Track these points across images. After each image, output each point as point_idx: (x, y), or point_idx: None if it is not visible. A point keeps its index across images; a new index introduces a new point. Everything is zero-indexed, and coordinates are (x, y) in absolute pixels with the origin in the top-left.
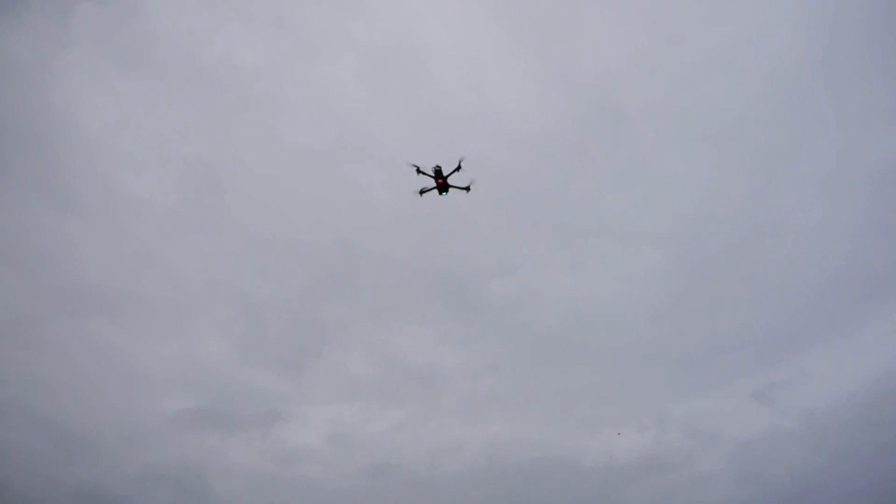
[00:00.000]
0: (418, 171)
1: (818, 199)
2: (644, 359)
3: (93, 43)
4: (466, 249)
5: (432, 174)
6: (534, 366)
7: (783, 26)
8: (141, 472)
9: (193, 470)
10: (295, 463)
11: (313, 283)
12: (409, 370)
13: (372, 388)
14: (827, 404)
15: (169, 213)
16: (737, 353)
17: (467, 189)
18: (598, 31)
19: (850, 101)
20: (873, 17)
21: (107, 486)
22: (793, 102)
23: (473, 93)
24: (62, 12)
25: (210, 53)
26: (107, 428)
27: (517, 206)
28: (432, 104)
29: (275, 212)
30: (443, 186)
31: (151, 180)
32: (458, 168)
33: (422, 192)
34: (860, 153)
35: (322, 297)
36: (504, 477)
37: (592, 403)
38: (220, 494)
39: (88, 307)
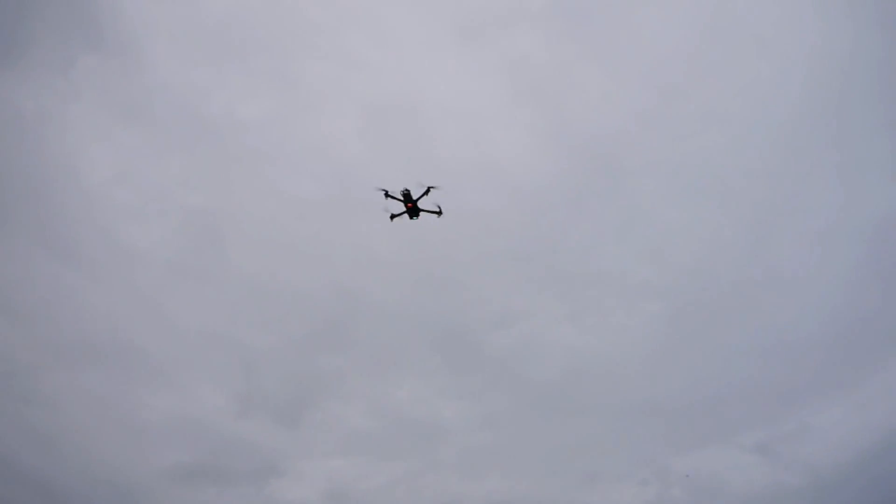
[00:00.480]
0: (387, 195)
1: (817, 251)
2: (645, 411)
3: (95, 96)
4: (466, 301)
5: (401, 198)
6: (533, 419)
7: (780, 80)
8: None
9: None
10: None
11: (311, 334)
12: (407, 423)
13: (370, 441)
14: (830, 458)
15: (168, 263)
16: (738, 407)
17: (438, 213)
18: (597, 85)
19: (848, 154)
20: (873, 71)
21: None
22: (791, 155)
23: (473, 147)
24: (65, 66)
25: (212, 106)
26: (100, 482)
27: (516, 257)
28: (432, 158)
29: (274, 262)
30: (413, 210)
31: (151, 231)
32: (428, 191)
33: (392, 216)
34: (859, 206)
35: (320, 348)
36: None
37: (593, 457)
38: None
39: (85, 359)
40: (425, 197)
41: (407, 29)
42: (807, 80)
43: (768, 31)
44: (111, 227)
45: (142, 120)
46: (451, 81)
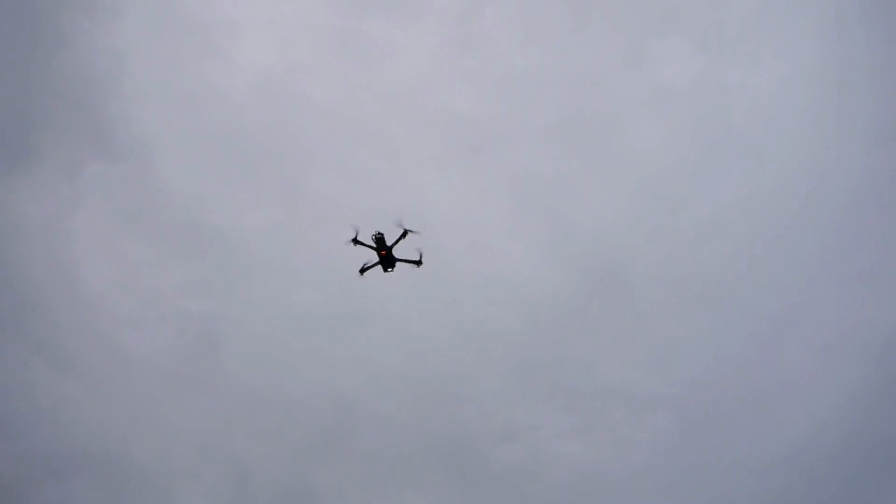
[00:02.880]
0: (356, 241)
1: (825, 362)
2: None
3: (100, 202)
4: (469, 414)
5: (373, 244)
6: None
7: (781, 192)
8: None
9: None
10: None
11: (308, 447)
12: None
13: None
14: None
15: (163, 372)
16: None
17: (419, 263)
18: (599, 198)
19: (852, 265)
20: (874, 182)
21: None
22: (793, 266)
23: (477, 258)
24: (72, 172)
25: (217, 216)
26: None
27: (521, 370)
28: (436, 268)
29: (272, 372)
30: (387, 259)
31: (148, 339)
32: (404, 235)
33: (363, 269)
34: (866, 316)
35: (317, 461)
36: None
37: None
38: None
39: (76, 471)
40: (402, 241)
41: (412, 143)
42: (807, 191)
43: (767, 146)
44: (109, 335)
45: (145, 227)
46: (455, 194)
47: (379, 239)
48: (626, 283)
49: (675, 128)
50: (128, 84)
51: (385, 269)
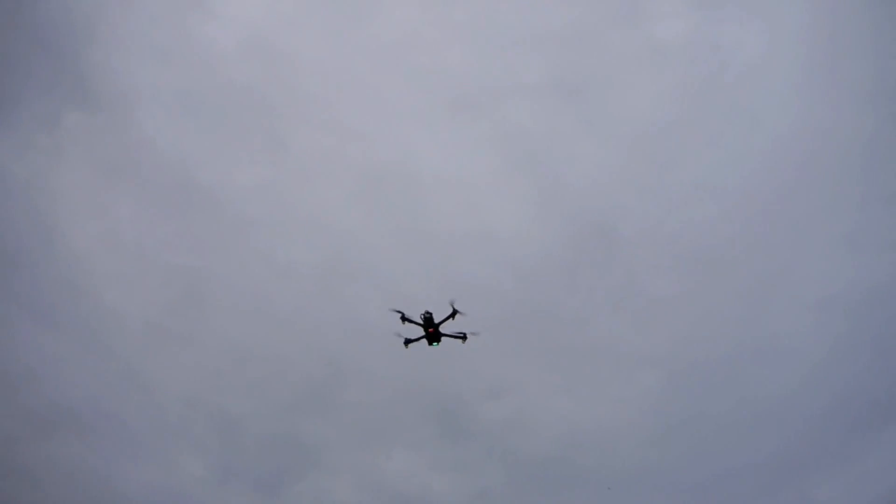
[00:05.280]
0: (404, 318)
1: (813, 321)
2: (641, 485)
3: (82, 156)
4: (458, 371)
5: (421, 322)
6: (526, 493)
7: (774, 151)
8: None
9: None
10: None
11: (296, 401)
12: (396, 497)
13: None
14: None
15: (149, 326)
16: (737, 480)
17: (463, 338)
18: (591, 156)
19: (841, 225)
20: (865, 143)
21: None
22: (784, 226)
23: (467, 217)
24: (51, 122)
25: (203, 172)
26: None
27: (510, 327)
28: (426, 227)
29: (258, 328)
30: (433, 336)
31: (133, 294)
32: (453, 315)
33: (407, 342)
34: (851, 276)
35: (304, 415)
36: None
37: None
38: None
39: (63, 428)
40: (450, 320)
41: (402, 99)
42: (800, 151)
43: (761, 104)
44: (94, 291)
45: (129, 183)
46: (446, 151)
47: (427, 318)
48: (616, 241)
49: (668, 85)
50: (107, 33)
51: (430, 344)
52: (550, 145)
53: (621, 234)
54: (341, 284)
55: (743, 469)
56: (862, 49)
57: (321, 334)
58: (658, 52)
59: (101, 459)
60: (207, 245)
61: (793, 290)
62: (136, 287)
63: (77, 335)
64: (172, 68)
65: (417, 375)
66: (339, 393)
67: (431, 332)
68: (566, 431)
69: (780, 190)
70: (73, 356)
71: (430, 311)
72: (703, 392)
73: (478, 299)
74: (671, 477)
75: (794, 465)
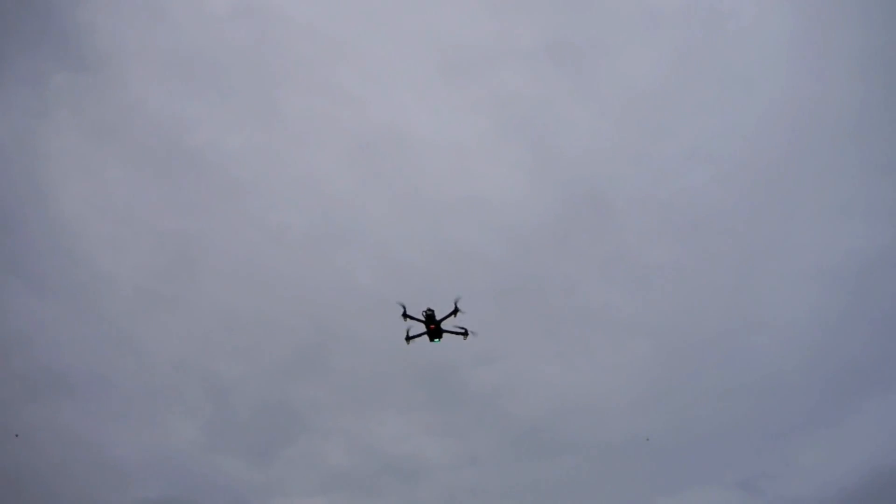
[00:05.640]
0: (405, 314)
1: (802, 290)
2: (630, 450)
3: (70, 117)
4: (449, 337)
5: (423, 318)
6: (517, 457)
7: (767, 121)
8: None
9: None
10: None
11: (287, 365)
12: (388, 461)
13: (348, 478)
14: (814, 496)
15: (140, 291)
16: (723, 444)
17: (465, 334)
18: (585, 122)
19: (834, 196)
20: (858, 114)
21: None
22: (776, 196)
23: (459, 181)
24: (37, 82)
25: (194, 136)
26: None
27: (501, 294)
28: (419, 192)
29: (250, 292)
30: (434, 332)
31: (124, 259)
32: (455, 312)
33: (409, 337)
34: (843, 247)
35: (296, 379)
36: None
37: (577, 496)
38: None
39: (55, 391)
40: (451, 317)
41: (396, 63)
42: (794, 121)
43: (756, 72)
44: (84, 255)
45: (118, 145)
46: (439, 116)
47: (429, 315)
48: (608, 208)
49: (662, 52)
50: None
51: (431, 340)
52: (544, 111)
53: (614, 201)
54: (333, 249)
55: (728, 435)
56: (856, 16)
57: (313, 299)
58: (653, 19)
59: (92, 423)
60: (199, 209)
61: (784, 259)
62: (126, 251)
63: (67, 299)
64: (162, 28)
65: None
66: (331, 358)
67: (433, 328)
68: (556, 397)
69: (773, 158)
70: (63, 320)
71: (433, 308)
72: (692, 358)
73: (469, 265)
74: (658, 441)
75: (779, 432)
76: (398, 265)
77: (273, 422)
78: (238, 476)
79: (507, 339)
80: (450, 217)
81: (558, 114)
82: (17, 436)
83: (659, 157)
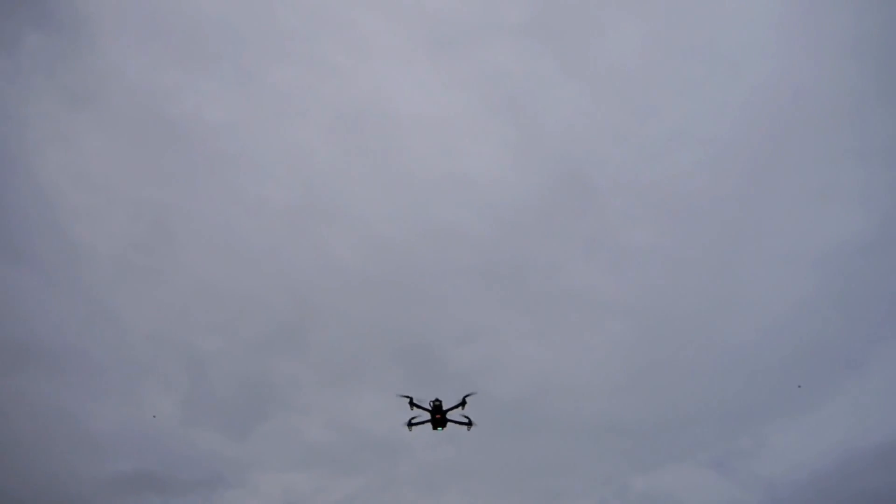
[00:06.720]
0: (412, 403)
1: (780, 274)
2: (606, 430)
3: (44, 82)
4: (429, 314)
5: (429, 408)
6: (494, 435)
7: (752, 105)
8: None
9: None
10: None
11: (266, 340)
12: (366, 438)
13: (326, 455)
14: (785, 477)
15: (117, 262)
16: (698, 426)
17: (469, 424)
18: (571, 102)
19: (814, 180)
20: (839, 97)
21: None
22: (758, 179)
23: (443, 158)
24: (9, 43)
25: (175, 106)
26: (41, 491)
27: (483, 272)
28: (402, 168)
29: (228, 265)
30: (439, 421)
31: (102, 229)
32: (463, 404)
33: (411, 423)
34: (822, 232)
35: (275, 354)
36: None
37: (553, 475)
38: None
39: (30, 363)
40: (458, 409)
41: (381, 37)
42: (779, 105)
43: (742, 56)
44: (59, 224)
45: (95, 113)
46: (424, 92)
47: (436, 406)
48: (591, 188)
49: (651, 32)
50: None
51: (435, 428)
52: (530, 89)
53: (598, 182)
54: (314, 224)
55: (704, 416)
56: (843, 2)
57: (293, 274)
58: None
59: (68, 395)
60: (178, 180)
61: (764, 243)
62: (104, 221)
63: (43, 269)
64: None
65: (390, 318)
66: (310, 334)
67: (438, 417)
68: (535, 377)
69: (756, 142)
70: (38, 291)
71: (440, 399)
72: (671, 340)
73: (452, 243)
74: (634, 421)
75: (753, 413)
76: (380, 242)
77: (251, 397)
78: (215, 450)
79: (488, 318)
80: (433, 194)
81: (544, 92)
82: None
83: (644, 137)
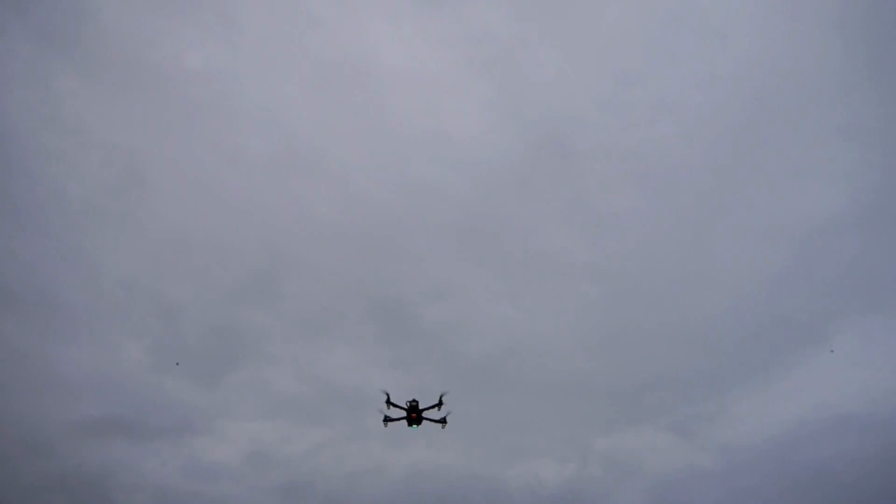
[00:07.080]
0: (388, 402)
1: (751, 246)
2: (572, 391)
3: (15, 18)
4: (403, 270)
5: (405, 407)
6: (462, 393)
7: (737, 77)
8: (39, 482)
9: (96, 482)
10: (207, 479)
11: (238, 289)
12: (335, 390)
13: (295, 405)
14: (743, 442)
15: (89, 205)
16: (662, 391)
17: (443, 423)
18: (555, 65)
19: (792, 157)
20: (821, 73)
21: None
22: (738, 152)
23: (425, 116)
24: None
25: (153, 52)
26: (8, 435)
27: (458, 231)
28: (382, 123)
29: (201, 212)
30: (415, 420)
31: (74, 172)
32: (439, 404)
33: (387, 420)
34: (796, 208)
35: (246, 304)
36: (423, 502)
37: (517, 433)
38: None
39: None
40: (435, 409)
41: None
42: (762, 79)
43: (729, 28)
44: (30, 167)
45: (71, 57)
46: (407, 47)
47: (413, 405)
48: (571, 151)
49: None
50: None
51: (410, 425)
52: (514, 49)
53: (578, 145)
54: (292, 175)
55: (669, 380)
56: None
57: (268, 224)
58: None
59: (37, 339)
60: (153, 125)
61: (738, 215)
62: (75, 164)
63: (12, 212)
64: None
65: (364, 272)
66: (283, 285)
67: (414, 416)
68: (505, 337)
69: (738, 115)
70: (8, 234)
71: (417, 399)
72: (641, 307)
73: (429, 200)
74: (601, 384)
75: (717, 381)
76: (357, 195)
77: (221, 345)
78: (183, 397)
79: (462, 277)
80: (413, 150)
81: (528, 53)
82: None
83: (626, 104)
